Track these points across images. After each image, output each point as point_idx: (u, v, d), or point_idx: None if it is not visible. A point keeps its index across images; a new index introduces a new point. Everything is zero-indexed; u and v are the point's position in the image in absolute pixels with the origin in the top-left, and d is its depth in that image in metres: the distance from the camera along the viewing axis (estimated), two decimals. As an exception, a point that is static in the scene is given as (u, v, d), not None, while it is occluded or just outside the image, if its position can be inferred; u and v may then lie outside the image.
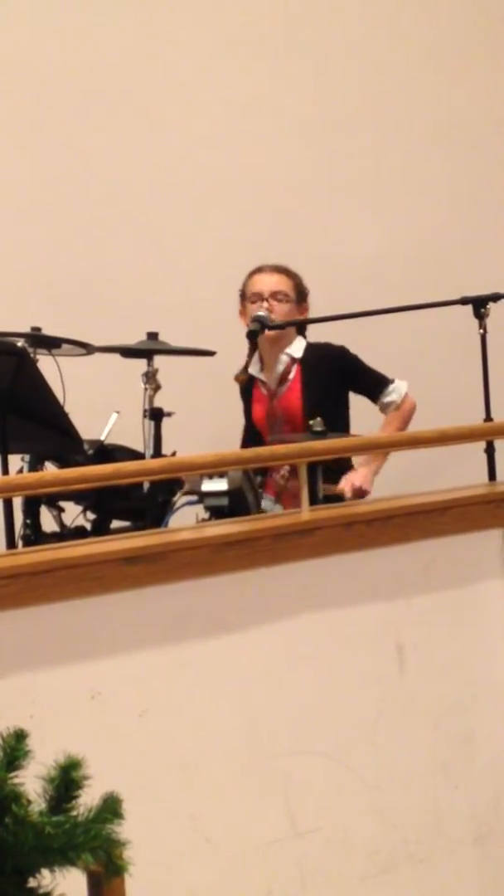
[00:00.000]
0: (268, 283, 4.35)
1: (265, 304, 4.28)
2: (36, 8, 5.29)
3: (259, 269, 4.40)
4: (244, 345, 4.34)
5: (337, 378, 4.30)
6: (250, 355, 4.39)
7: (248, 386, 4.40)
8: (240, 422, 4.49)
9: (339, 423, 4.16)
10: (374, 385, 4.31)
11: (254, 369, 4.40)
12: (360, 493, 4.12)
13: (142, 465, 3.45)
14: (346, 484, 4.10)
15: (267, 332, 4.26)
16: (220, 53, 5.56)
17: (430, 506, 3.27)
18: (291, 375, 4.34)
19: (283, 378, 4.35)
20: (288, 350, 4.36)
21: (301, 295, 4.39)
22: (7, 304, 4.84)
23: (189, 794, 2.85)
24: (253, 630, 2.96)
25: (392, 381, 4.32)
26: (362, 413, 4.43)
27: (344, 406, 4.36)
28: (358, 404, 4.41)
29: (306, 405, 4.23)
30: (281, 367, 4.35)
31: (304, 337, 4.42)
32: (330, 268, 5.41)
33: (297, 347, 4.37)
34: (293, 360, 4.35)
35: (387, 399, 4.31)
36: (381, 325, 4.66)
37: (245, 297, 4.38)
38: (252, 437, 4.42)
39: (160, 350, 3.99)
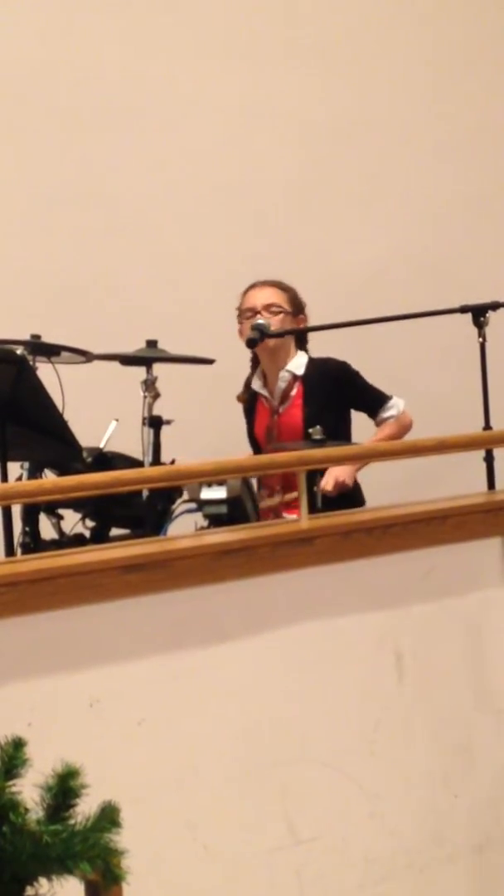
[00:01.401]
0: (260, 296, 4.35)
1: (259, 318, 4.28)
2: (34, 14, 5.30)
3: (252, 286, 4.41)
4: (243, 353, 4.35)
5: (338, 394, 4.30)
6: (253, 370, 4.40)
7: (251, 402, 4.41)
8: (238, 428, 4.48)
9: (340, 439, 4.16)
10: (373, 402, 4.33)
11: (257, 385, 4.40)
12: (342, 488, 4.13)
13: (141, 473, 3.44)
14: (330, 479, 4.10)
15: (267, 341, 4.26)
16: (219, 61, 5.56)
17: (429, 514, 3.27)
18: (293, 392, 4.34)
19: (286, 395, 4.35)
20: (289, 367, 4.35)
21: (297, 308, 4.38)
22: (6, 312, 4.84)
23: (187, 802, 2.84)
24: (252, 638, 2.96)
25: (390, 398, 4.33)
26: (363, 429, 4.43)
27: (345, 422, 4.35)
28: (358, 420, 4.40)
29: (308, 423, 4.21)
30: (283, 385, 4.35)
31: (306, 352, 4.41)
32: (330, 276, 5.42)
33: (298, 364, 4.36)
34: (295, 377, 4.34)
35: (385, 414, 4.32)
36: (381, 334, 4.66)
37: (241, 313, 4.38)
38: (255, 453, 4.41)
39: (159, 358, 3.99)
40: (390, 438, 4.29)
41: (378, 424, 4.34)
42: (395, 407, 4.32)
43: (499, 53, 5.97)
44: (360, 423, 4.40)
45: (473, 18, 5.95)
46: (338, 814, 3.08)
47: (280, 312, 4.33)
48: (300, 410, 4.30)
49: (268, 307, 4.32)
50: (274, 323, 4.28)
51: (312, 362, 4.36)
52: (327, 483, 4.08)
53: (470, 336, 3.77)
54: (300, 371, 4.34)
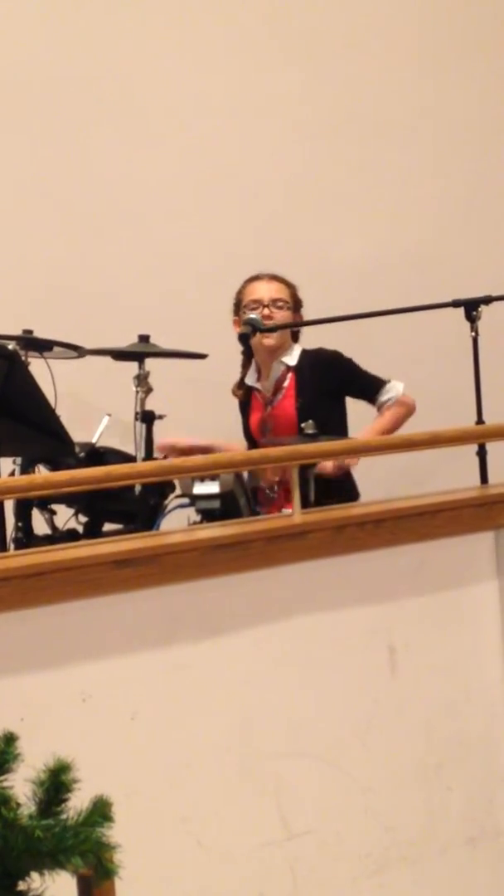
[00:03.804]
0: (267, 290, 4.34)
1: (266, 311, 4.28)
2: (34, 13, 5.30)
3: (257, 278, 4.39)
4: (236, 348, 4.34)
5: (331, 383, 4.30)
6: (245, 366, 4.39)
7: (246, 398, 4.40)
8: (231, 423, 4.48)
9: (335, 428, 4.16)
10: (369, 387, 4.31)
11: (251, 379, 4.40)
12: (342, 468, 4.11)
13: (133, 468, 3.44)
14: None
15: (266, 341, 4.27)
16: (213, 58, 5.56)
17: (421, 508, 3.27)
18: (286, 383, 4.34)
19: (279, 386, 4.35)
20: (283, 358, 4.35)
21: (297, 304, 4.39)
22: (-1, 307, 4.84)
23: (180, 796, 2.85)
24: (244, 633, 2.96)
25: (388, 382, 4.32)
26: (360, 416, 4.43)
27: (340, 411, 4.34)
28: (357, 409, 4.40)
29: (300, 412, 4.22)
30: (276, 376, 4.35)
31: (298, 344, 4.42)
32: (323, 271, 5.42)
33: (292, 355, 4.36)
34: (288, 368, 4.34)
35: (384, 398, 4.30)
36: (374, 328, 4.67)
37: (241, 305, 4.36)
38: (251, 448, 4.40)
39: (151, 353, 3.99)
40: (391, 423, 4.26)
41: (379, 409, 4.32)
42: (392, 390, 4.29)
43: (493, 48, 5.97)
44: (361, 412, 4.39)
45: (466, 13, 5.95)
46: (331, 807, 3.08)
47: (284, 307, 4.33)
48: (293, 401, 4.30)
49: (274, 301, 4.32)
50: (278, 318, 4.28)
51: (305, 353, 4.37)
52: (326, 462, 4.06)
53: (462, 330, 3.77)
54: (293, 362, 4.34)
